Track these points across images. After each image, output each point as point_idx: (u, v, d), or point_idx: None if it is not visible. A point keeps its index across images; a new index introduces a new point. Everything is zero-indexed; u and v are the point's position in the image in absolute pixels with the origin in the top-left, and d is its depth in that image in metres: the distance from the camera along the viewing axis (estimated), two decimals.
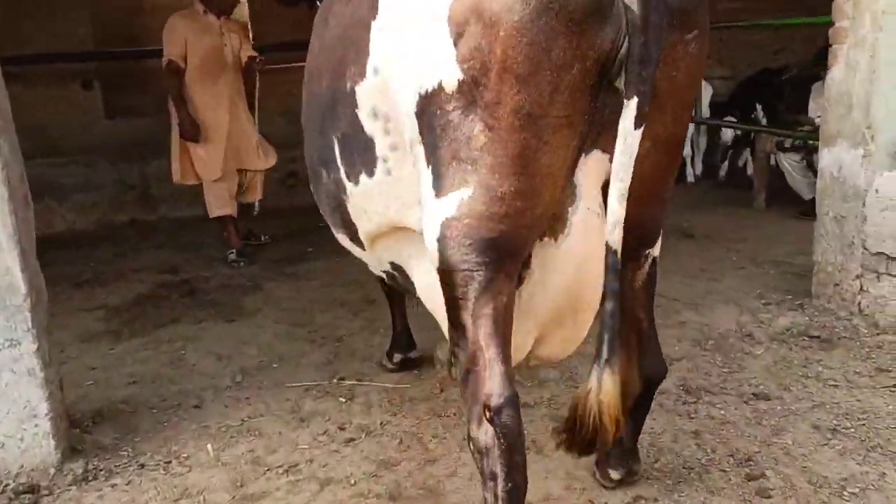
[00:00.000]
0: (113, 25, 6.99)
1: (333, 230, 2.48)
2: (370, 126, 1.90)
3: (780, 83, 7.67)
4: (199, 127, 5.00)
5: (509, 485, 1.67)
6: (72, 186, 6.50)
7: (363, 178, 1.99)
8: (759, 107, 7.51)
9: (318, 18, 2.33)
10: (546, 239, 1.77)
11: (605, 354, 1.73)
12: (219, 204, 5.23)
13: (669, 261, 4.82)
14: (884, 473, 2.37)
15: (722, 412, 2.84)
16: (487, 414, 1.66)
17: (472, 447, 1.72)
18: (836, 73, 3.47)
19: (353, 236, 2.27)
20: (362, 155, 1.97)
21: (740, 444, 2.61)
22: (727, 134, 7.35)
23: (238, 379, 3.39)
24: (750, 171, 7.51)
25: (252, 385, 3.33)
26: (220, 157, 5.13)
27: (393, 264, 2.21)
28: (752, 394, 2.96)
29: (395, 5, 1.78)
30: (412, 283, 2.09)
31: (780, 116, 7.65)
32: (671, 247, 5.17)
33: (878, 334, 3.37)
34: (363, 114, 1.90)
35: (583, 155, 1.72)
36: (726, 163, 7.62)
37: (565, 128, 1.63)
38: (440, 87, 1.64)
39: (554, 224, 1.76)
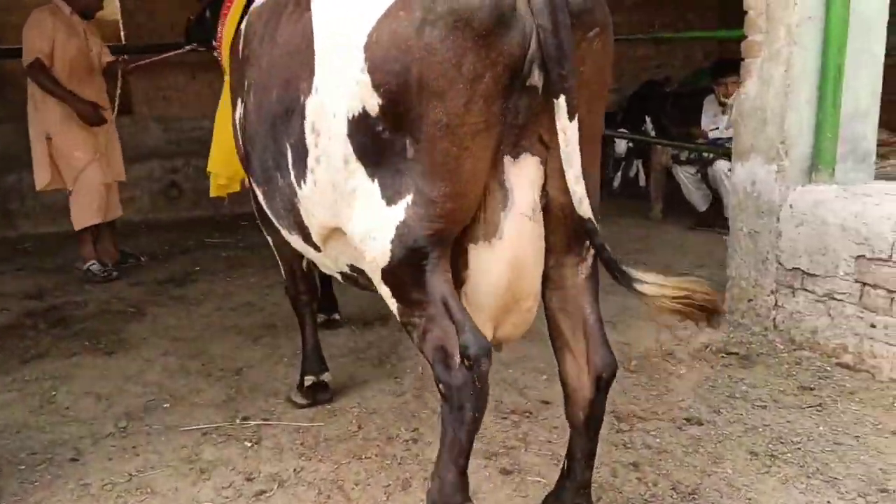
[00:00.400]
0: None
1: (286, 233, 2.51)
2: (309, 138, 2.02)
3: (665, 96, 7.90)
4: (98, 107, 4.71)
5: (476, 414, 1.83)
6: None
7: (303, 183, 2.11)
8: (647, 119, 7.69)
9: (260, 31, 2.41)
10: (480, 242, 1.87)
11: (627, 282, 1.93)
12: (88, 213, 4.79)
13: None
14: (828, 502, 2.31)
15: (657, 440, 2.73)
16: (467, 362, 1.78)
17: (441, 388, 1.84)
18: (750, 87, 3.47)
19: (307, 238, 2.33)
20: (302, 162, 2.08)
21: (681, 475, 2.50)
22: (620, 146, 7.46)
23: (122, 424, 2.97)
24: (642, 181, 7.69)
25: (139, 431, 2.91)
26: (95, 162, 4.76)
27: (351, 266, 2.24)
28: (685, 419, 2.87)
29: (325, 31, 1.91)
30: (370, 279, 2.10)
31: (667, 129, 7.89)
32: None
33: (795, 350, 3.38)
34: (307, 126, 2.01)
35: (512, 160, 1.81)
36: (619, 174, 7.74)
37: (483, 132, 1.74)
38: (365, 112, 1.79)
39: (487, 228, 1.86)
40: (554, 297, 2.04)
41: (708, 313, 2.00)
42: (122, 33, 6.85)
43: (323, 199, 2.05)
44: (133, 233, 6.11)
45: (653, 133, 7.68)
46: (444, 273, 1.86)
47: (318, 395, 3.11)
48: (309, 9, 2.00)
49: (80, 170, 4.75)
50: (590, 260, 2.03)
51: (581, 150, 1.78)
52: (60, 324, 4.09)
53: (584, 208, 1.82)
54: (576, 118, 1.71)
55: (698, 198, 5.99)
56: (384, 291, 1.97)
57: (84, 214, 4.80)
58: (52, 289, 4.76)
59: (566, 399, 2.08)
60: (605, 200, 6.20)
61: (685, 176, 5.99)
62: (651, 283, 1.94)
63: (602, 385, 2.03)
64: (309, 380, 3.12)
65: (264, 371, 3.44)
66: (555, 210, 1.88)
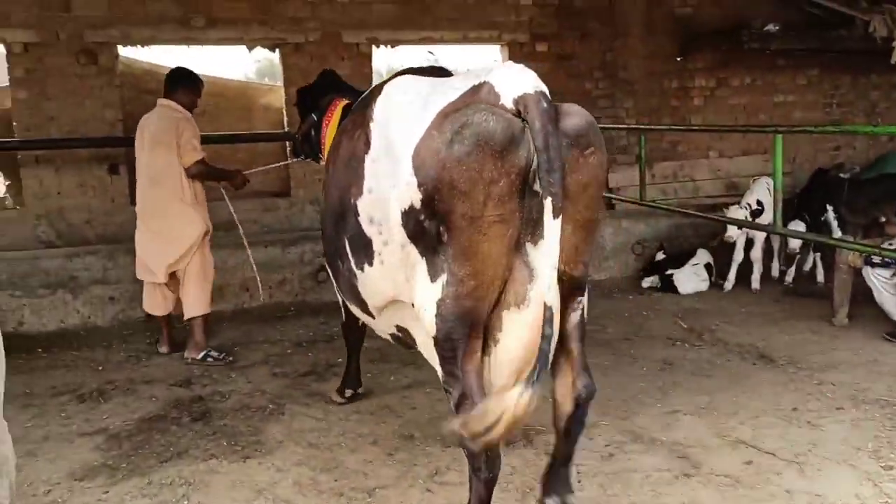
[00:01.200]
0: (142, 108, 6.70)
1: (351, 306, 3.25)
2: (368, 229, 2.66)
3: (840, 184, 7.14)
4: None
5: (490, 474, 2.50)
6: (88, 278, 6.05)
7: (366, 266, 2.75)
8: (829, 209, 6.95)
9: (331, 148, 3.32)
10: (512, 309, 2.37)
11: (534, 378, 2.17)
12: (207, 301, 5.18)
13: (751, 393, 4.20)
14: None
15: None
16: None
17: (465, 451, 2.51)
18: None
19: (366, 309, 3.02)
20: (364, 250, 2.71)
21: None
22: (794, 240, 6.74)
23: None
24: (820, 277, 6.90)
25: None
26: None
27: (398, 326, 2.90)
28: None
29: (381, 147, 2.59)
30: (413, 339, 2.79)
31: (847, 222, 7.07)
32: (749, 373, 4.56)
33: None
34: (363, 220, 2.68)
35: (533, 245, 2.32)
36: (793, 268, 7.00)
37: (499, 223, 2.26)
38: (412, 205, 2.37)
39: (517, 298, 2.35)
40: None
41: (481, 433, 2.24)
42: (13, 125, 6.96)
43: (387, 275, 2.65)
44: (283, 316, 6.16)
45: (835, 224, 6.93)
46: (473, 353, 2.40)
47: (354, 398, 4.19)
48: (369, 128, 2.72)
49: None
50: (579, 310, 2.56)
51: (579, 236, 2.38)
52: (203, 418, 4.06)
53: (550, 296, 2.23)
54: (559, 218, 2.18)
55: (893, 305, 5.21)
56: (434, 360, 2.56)
57: (205, 301, 5.15)
58: (199, 376, 4.79)
59: (554, 412, 2.64)
60: (778, 300, 5.56)
61: (879, 279, 5.24)
62: (528, 395, 2.18)
63: (581, 402, 2.57)
64: (349, 392, 4.20)
65: (397, 494, 3.18)
66: (561, 278, 2.37)
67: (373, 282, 2.77)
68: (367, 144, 2.69)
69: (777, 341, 5.16)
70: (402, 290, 2.61)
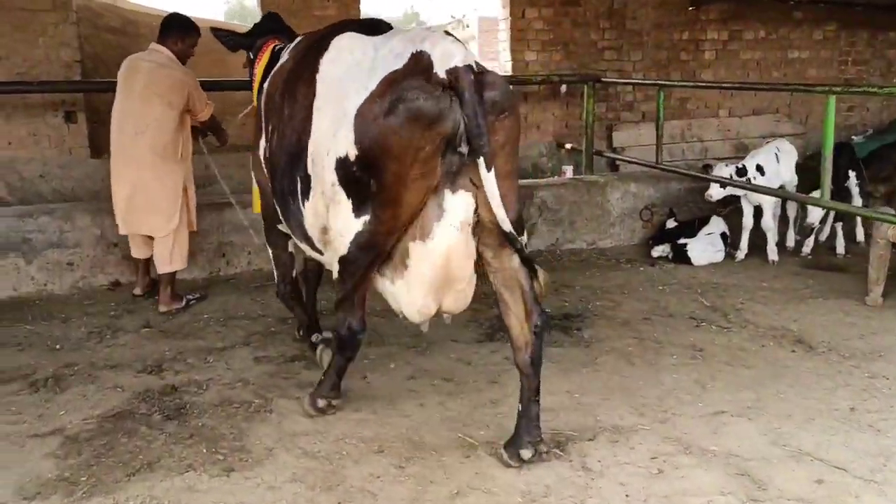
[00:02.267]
0: (103, 48, 5.96)
1: (299, 243, 3.58)
2: (311, 169, 3.07)
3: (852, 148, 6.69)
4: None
5: (347, 357, 3.36)
6: (43, 241, 5.37)
7: (307, 202, 3.15)
8: (852, 175, 6.48)
9: (282, 92, 3.44)
10: (417, 241, 2.88)
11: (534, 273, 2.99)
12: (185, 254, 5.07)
13: (798, 388, 3.75)
14: None
15: None
16: (350, 331, 3.17)
17: (336, 335, 3.31)
18: None
19: (312, 244, 3.34)
20: (309, 187, 3.11)
21: None
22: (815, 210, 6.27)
23: None
24: (841, 249, 6.46)
25: None
26: None
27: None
28: None
29: (327, 99, 3.02)
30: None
31: (868, 188, 6.64)
32: (789, 362, 4.11)
33: None
34: (310, 161, 3.06)
35: (451, 193, 2.81)
36: (811, 238, 6.55)
37: (420, 179, 2.74)
38: (347, 156, 2.83)
39: (423, 231, 2.86)
40: (496, 278, 3.01)
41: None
42: None
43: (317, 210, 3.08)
44: (262, 286, 5.55)
45: (856, 190, 6.48)
46: (368, 275, 3.02)
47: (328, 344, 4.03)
48: (316, 79, 3.11)
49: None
50: (521, 250, 2.91)
51: (502, 185, 2.71)
52: (177, 416, 3.50)
53: (505, 224, 2.75)
54: (492, 169, 2.66)
55: None
56: (334, 270, 3.11)
57: (184, 255, 5.03)
58: (173, 358, 4.21)
59: (513, 348, 3.05)
60: (798, 273, 5.09)
61: None
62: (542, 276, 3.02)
63: (538, 331, 2.98)
64: (316, 336, 4.21)
65: None
66: (485, 224, 2.86)
67: (315, 216, 3.14)
68: (314, 94, 3.08)
69: (810, 323, 4.71)
70: (324, 219, 3.04)
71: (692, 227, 6.43)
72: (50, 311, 5.07)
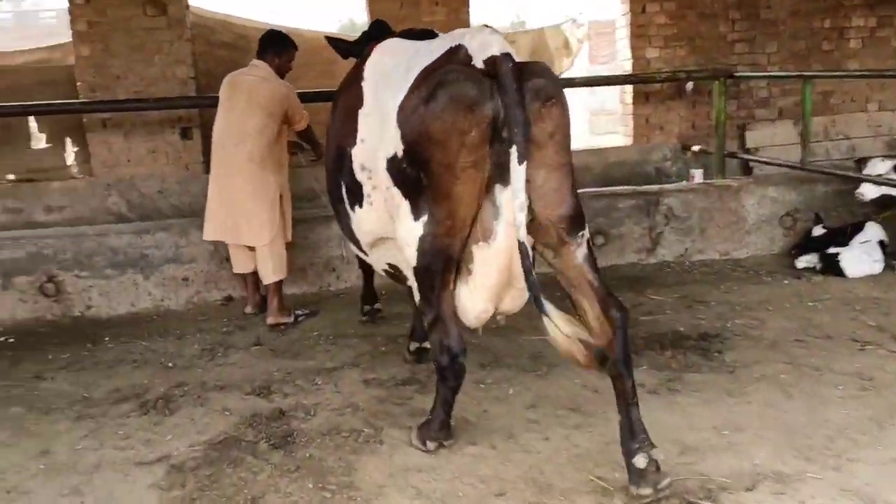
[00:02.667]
0: (216, 65, 5.96)
1: (349, 245, 3.79)
2: (359, 175, 3.12)
3: None
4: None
5: (451, 388, 3.04)
6: (160, 257, 5.38)
7: (356, 208, 3.23)
8: None
9: (333, 103, 3.76)
10: (480, 243, 2.77)
11: (538, 308, 2.63)
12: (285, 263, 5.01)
13: None
14: None
15: None
16: (449, 356, 2.91)
17: (435, 364, 3.00)
18: None
19: (360, 247, 3.49)
20: (356, 193, 3.18)
21: None
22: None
23: None
24: None
25: None
26: None
27: (389, 264, 3.34)
28: None
29: (371, 104, 3.08)
30: (404, 276, 3.20)
31: None
32: None
33: None
34: (356, 167, 3.14)
35: (502, 187, 2.68)
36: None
37: (470, 169, 2.64)
38: (395, 154, 2.80)
39: (485, 233, 2.74)
40: (563, 279, 2.89)
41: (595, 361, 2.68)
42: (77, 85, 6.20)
43: (374, 216, 3.12)
44: None
45: None
46: (447, 283, 2.86)
47: (372, 313, 4.89)
48: (361, 87, 3.20)
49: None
50: (584, 246, 2.82)
51: (552, 178, 2.70)
52: (284, 444, 3.28)
53: (521, 233, 2.61)
54: (524, 164, 2.56)
55: None
56: (413, 287, 3.03)
57: (284, 266, 4.96)
58: (281, 380, 4.03)
59: (598, 350, 2.72)
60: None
61: None
62: (552, 320, 2.63)
63: (620, 325, 2.75)
64: (366, 308, 4.88)
65: None
66: (541, 221, 2.75)
67: (362, 222, 3.19)
68: (361, 101, 3.12)
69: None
70: (389, 229, 2.99)
71: (844, 235, 5.72)
72: (166, 328, 5.05)
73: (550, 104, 2.66)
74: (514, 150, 2.53)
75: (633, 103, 7.40)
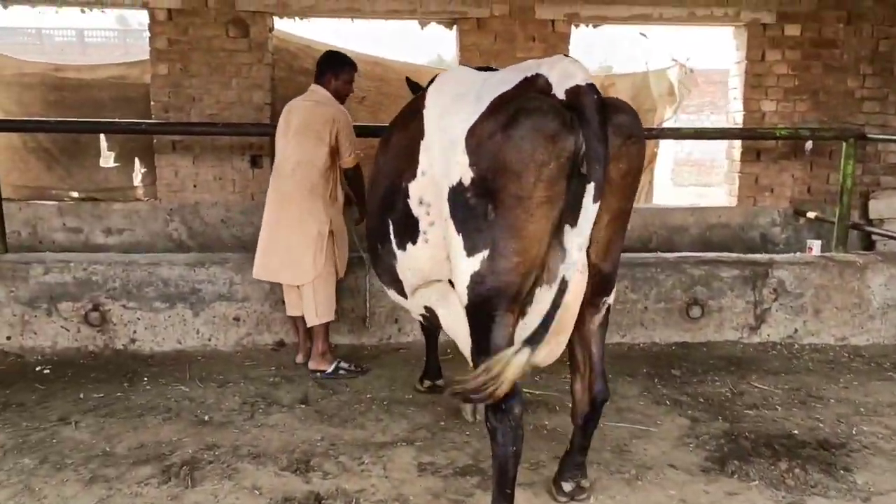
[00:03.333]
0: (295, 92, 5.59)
1: (386, 288, 3.49)
2: (416, 210, 2.87)
3: None
4: None
5: (514, 447, 2.63)
6: (212, 293, 4.98)
7: (409, 246, 2.96)
8: None
9: (382, 142, 3.46)
10: (543, 286, 2.58)
11: (536, 339, 2.45)
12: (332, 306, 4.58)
13: None
14: None
15: None
16: (505, 407, 2.56)
17: (487, 426, 2.65)
18: None
19: (400, 290, 3.25)
20: (409, 230, 2.92)
21: None
22: None
23: None
24: None
25: None
26: None
27: (426, 307, 3.08)
28: None
29: (434, 132, 2.78)
30: (437, 318, 2.99)
31: None
32: None
33: None
34: (413, 202, 2.88)
35: (570, 228, 2.48)
36: None
37: (545, 205, 2.45)
38: (461, 182, 2.57)
39: (549, 275, 2.55)
40: (574, 336, 2.79)
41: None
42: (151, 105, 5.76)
43: (429, 254, 2.88)
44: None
45: None
46: (506, 327, 2.58)
47: (433, 389, 4.27)
48: (422, 117, 2.89)
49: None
50: (603, 311, 2.83)
51: (612, 225, 2.63)
52: None
53: (570, 273, 2.47)
54: (599, 202, 2.39)
55: None
56: (465, 333, 2.73)
57: (332, 308, 4.58)
58: (323, 453, 3.50)
59: (573, 408, 3.00)
60: None
61: None
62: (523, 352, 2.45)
63: (597, 405, 2.92)
64: (427, 383, 4.30)
65: None
66: (589, 269, 2.60)
67: (413, 261, 2.97)
68: (421, 132, 2.85)
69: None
70: (442, 270, 2.79)
71: None
72: (209, 371, 4.63)
73: (631, 142, 2.55)
74: (590, 187, 2.37)
75: (742, 160, 6.68)
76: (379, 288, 5.00)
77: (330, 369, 4.52)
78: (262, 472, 3.32)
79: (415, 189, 2.86)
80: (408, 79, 4.39)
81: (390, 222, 3.07)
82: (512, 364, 2.38)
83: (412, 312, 3.38)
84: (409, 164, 2.90)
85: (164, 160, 5.92)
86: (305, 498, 3.09)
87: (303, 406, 4.10)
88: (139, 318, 4.94)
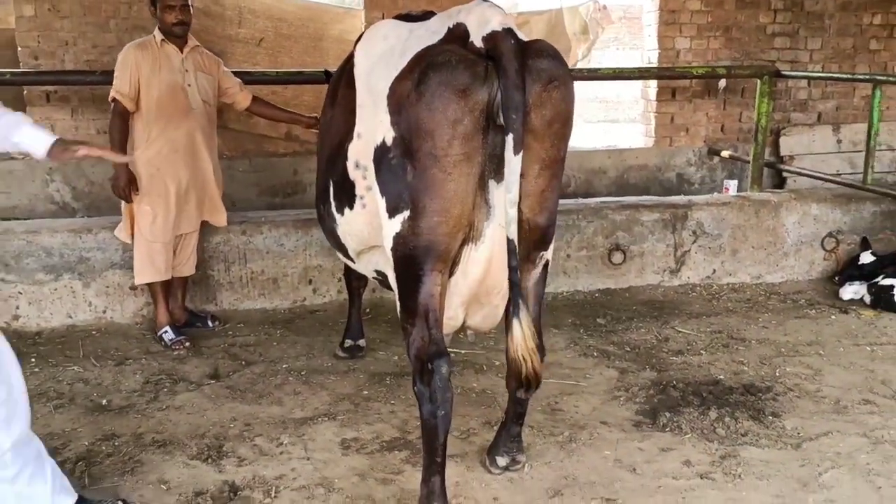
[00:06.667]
0: None
1: (335, 251, 3.32)
2: (353, 174, 2.72)
3: None
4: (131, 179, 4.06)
5: (437, 421, 2.48)
6: (103, 261, 4.51)
7: (346, 210, 2.82)
8: None
9: (327, 95, 3.32)
10: (468, 245, 2.46)
11: (512, 310, 2.44)
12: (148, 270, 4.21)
13: None
14: None
15: None
16: (429, 359, 2.45)
17: (415, 391, 2.51)
18: None
19: (346, 253, 3.13)
20: (347, 194, 2.78)
21: None
22: None
23: None
24: None
25: None
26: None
27: (377, 271, 2.92)
28: None
29: (364, 91, 2.68)
30: (391, 283, 2.71)
31: None
32: None
33: None
34: (350, 165, 2.73)
35: (496, 184, 2.39)
36: None
37: (464, 162, 2.33)
38: (384, 142, 2.47)
39: (474, 234, 2.44)
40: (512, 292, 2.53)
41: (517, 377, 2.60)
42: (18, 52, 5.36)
43: (365, 220, 2.72)
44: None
45: None
46: (433, 288, 2.44)
47: (353, 350, 4.04)
48: (353, 75, 2.77)
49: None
50: (540, 268, 2.68)
51: (541, 175, 2.45)
52: None
53: (512, 230, 2.37)
54: (520, 154, 2.28)
55: None
56: (395, 292, 2.62)
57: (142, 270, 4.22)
58: (237, 435, 3.22)
59: (508, 371, 2.75)
60: None
61: None
62: (523, 328, 2.45)
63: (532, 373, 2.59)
64: (348, 343, 4.05)
65: None
66: (523, 225, 2.46)
67: (351, 226, 2.85)
68: (354, 90, 2.74)
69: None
70: (377, 235, 2.65)
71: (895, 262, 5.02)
72: (106, 347, 4.23)
73: (553, 86, 2.38)
74: (509, 139, 2.26)
75: (658, 100, 6.59)
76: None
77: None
78: (169, 463, 3.01)
79: (352, 151, 2.72)
80: (325, 71, 4.27)
81: (331, 184, 2.94)
82: (521, 340, 2.46)
83: (362, 272, 3.22)
84: (346, 125, 2.78)
85: (37, 113, 5.29)
86: (219, 490, 2.82)
87: (212, 382, 3.79)
88: (21, 293, 4.44)
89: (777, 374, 3.87)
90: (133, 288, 4.52)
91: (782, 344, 4.28)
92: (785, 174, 6.46)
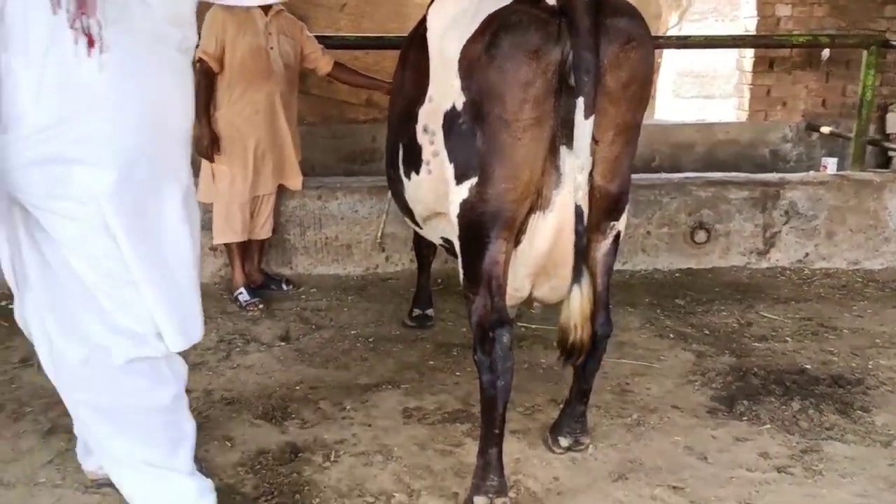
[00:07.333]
0: None
1: (403, 214, 3.22)
2: (421, 138, 2.66)
3: None
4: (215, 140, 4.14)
5: (497, 392, 2.39)
6: None
7: (413, 175, 2.77)
8: None
9: (399, 57, 3.25)
10: (536, 213, 2.37)
11: (573, 276, 2.37)
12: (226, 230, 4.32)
13: None
14: None
15: None
16: (491, 329, 2.36)
17: (475, 360, 2.44)
18: None
19: (413, 219, 3.07)
20: (414, 158, 2.72)
21: None
22: None
23: None
24: None
25: None
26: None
27: (444, 238, 2.83)
28: None
29: (436, 55, 2.56)
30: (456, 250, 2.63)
31: None
32: None
33: None
34: (419, 128, 2.66)
35: (568, 150, 2.26)
36: None
37: (535, 127, 2.24)
38: (454, 108, 2.41)
39: (542, 202, 2.34)
40: None
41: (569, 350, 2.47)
42: None
43: (432, 186, 2.65)
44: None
45: None
46: (499, 254, 2.36)
47: (422, 319, 4.02)
48: (426, 38, 2.64)
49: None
50: (611, 238, 2.55)
51: (616, 142, 2.34)
52: None
53: (580, 195, 2.29)
54: (591, 118, 2.17)
55: None
56: (459, 259, 2.54)
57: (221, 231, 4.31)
58: (303, 398, 3.25)
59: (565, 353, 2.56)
60: None
61: None
62: (574, 293, 2.40)
63: (598, 340, 2.58)
64: (416, 312, 4.03)
65: None
66: (594, 193, 2.36)
67: (417, 191, 2.80)
68: (425, 53, 2.65)
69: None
70: (443, 203, 2.57)
71: None
72: None
73: (630, 47, 2.25)
74: (580, 102, 2.15)
75: (754, 71, 6.23)
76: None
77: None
78: (235, 421, 3.07)
79: (422, 115, 2.67)
80: None
81: (400, 147, 2.89)
82: (579, 308, 2.41)
83: (430, 239, 3.17)
84: (418, 89, 2.72)
85: None
86: (281, 450, 2.85)
87: (283, 344, 3.84)
88: None
89: (869, 367, 3.62)
90: (212, 248, 4.62)
91: (878, 335, 4.00)
92: (890, 153, 6.01)
